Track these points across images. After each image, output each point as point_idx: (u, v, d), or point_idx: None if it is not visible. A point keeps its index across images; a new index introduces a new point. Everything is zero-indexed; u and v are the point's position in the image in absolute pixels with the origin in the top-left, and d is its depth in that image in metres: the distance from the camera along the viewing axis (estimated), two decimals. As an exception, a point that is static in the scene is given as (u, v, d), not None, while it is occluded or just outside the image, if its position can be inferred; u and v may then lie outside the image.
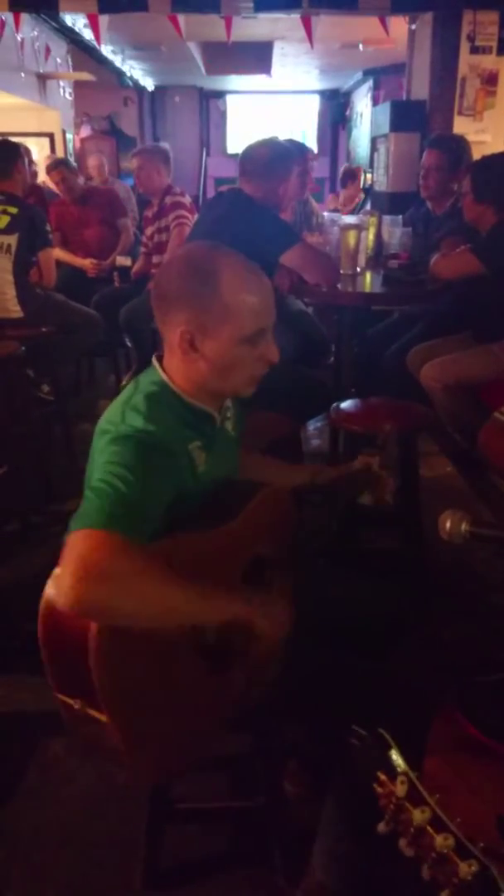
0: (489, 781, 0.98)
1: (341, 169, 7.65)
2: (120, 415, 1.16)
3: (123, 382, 4.48)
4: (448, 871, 0.59)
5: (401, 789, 0.62)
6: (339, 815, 1.31)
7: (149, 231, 4.28)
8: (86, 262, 4.59)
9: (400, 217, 3.92)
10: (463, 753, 1.03)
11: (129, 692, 1.04)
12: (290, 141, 3.31)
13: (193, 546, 1.15)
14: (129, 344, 4.45)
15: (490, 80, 4.73)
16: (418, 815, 0.61)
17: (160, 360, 1.26)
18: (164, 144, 4.54)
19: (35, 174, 5.13)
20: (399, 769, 0.64)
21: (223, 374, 1.21)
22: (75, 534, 1.00)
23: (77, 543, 0.99)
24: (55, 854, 1.56)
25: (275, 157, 2.64)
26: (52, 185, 4.88)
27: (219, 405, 1.30)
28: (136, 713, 1.05)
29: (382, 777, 0.63)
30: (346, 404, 2.47)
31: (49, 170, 4.74)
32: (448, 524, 1.18)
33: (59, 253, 4.27)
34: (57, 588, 0.98)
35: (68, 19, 6.36)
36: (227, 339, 1.18)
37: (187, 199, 4.20)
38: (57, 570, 1.04)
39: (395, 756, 0.65)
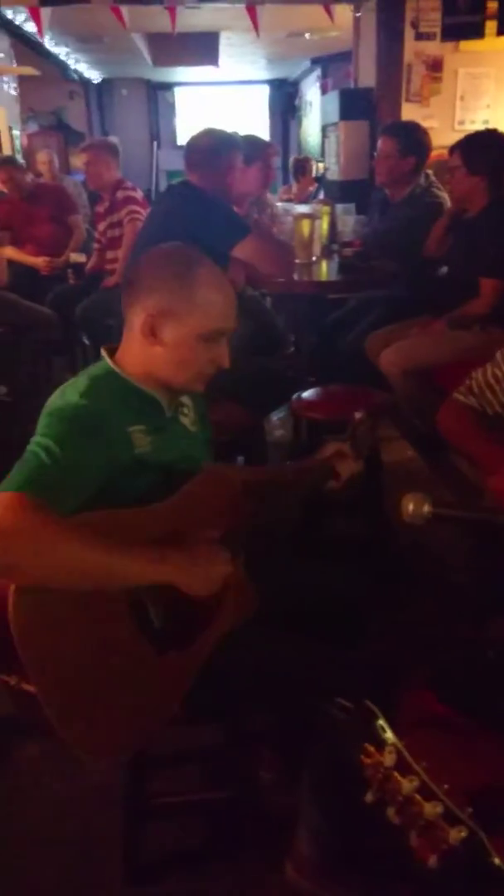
0: (457, 755, 1.00)
1: (291, 160, 7.62)
2: (60, 393, 1.23)
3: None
4: (437, 837, 0.60)
5: (389, 759, 0.63)
6: (318, 790, 1.33)
7: (101, 227, 4.23)
8: (38, 261, 4.52)
9: (353, 205, 3.95)
10: (431, 729, 1.05)
11: (52, 660, 1.05)
12: (252, 136, 3.29)
13: (124, 520, 1.17)
14: (86, 341, 4.40)
15: (435, 66, 4.77)
16: (406, 785, 0.61)
17: (110, 352, 1.32)
18: (113, 138, 4.50)
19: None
20: (388, 741, 0.65)
21: (176, 366, 1.27)
22: None
23: None
24: (33, 857, 1.55)
25: (217, 146, 2.64)
26: (-2, 184, 4.78)
27: (169, 396, 1.33)
28: (64, 686, 1.06)
29: (370, 748, 0.64)
30: (307, 393, 2.48)
31: (-7, 169, 4.64)
32: (410, 506, 1.21)
33: (10, 252, 4.20)
34: None
35: (9, 13, 6.22)
36: (188, 331, 1.24)
37: (139, 194, 4.16)
38: None
39: (383, 727, 0.66)
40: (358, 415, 1.56)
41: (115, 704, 1.14)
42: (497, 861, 0.59)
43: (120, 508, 1.16)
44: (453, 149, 2.94)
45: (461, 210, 3.03)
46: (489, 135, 3.06)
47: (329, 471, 1.51)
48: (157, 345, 1.25)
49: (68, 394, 1.21)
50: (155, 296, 1.24)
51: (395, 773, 0.62)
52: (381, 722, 0.66)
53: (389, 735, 0.65)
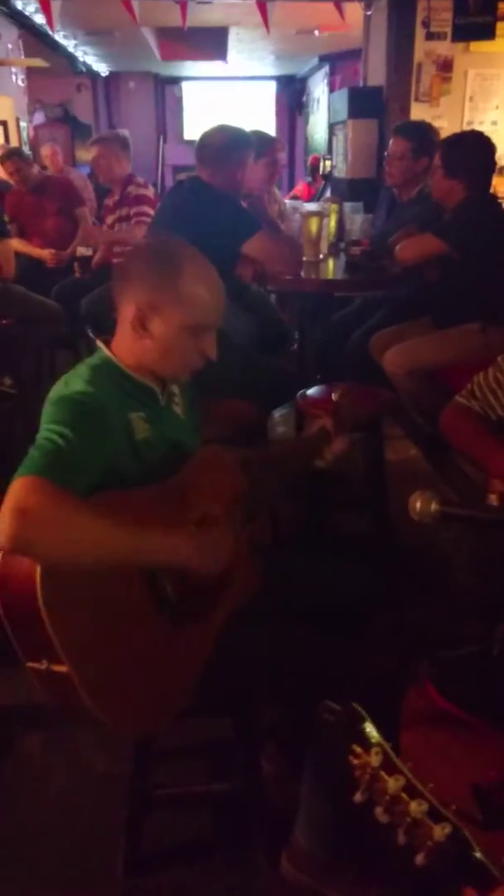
0: (460, 751, 1.02)
1: (310, 158, 7.60)
2: (63, 383, 1.26)
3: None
4: (422, 834, 0.61)
5: (375, 759, 0.64)
6: (316, 786, 1.35)
7: (109, 220, 4.23)
8: (44, 253, 4.52)
9: (361, 204, 3.95)
10: (434, 725, 1.06)
11: (83, 640, 1.08)
12: (258, 132, 3.29)
13: (134, 501, 1.21)
14: (91, 335, 4.40)
15: (445, 66, 4.77)
16: (392, 784, 0.62)
17: (106, 343, 1.36)
18: (123, 131, 4.48)
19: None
20: (373, 740, 0.66)
21: (163, 356, 1.31)
22: (14, 482, 1.06)
23: (14, 488, 1.05)
24: (37, 848, 1.56)
25: (230, 143, 2.64)
26: (4, 176, 4.79)
27: (162, 385, 1.37)
28: (94, 663, 1.09)
29: (357, 749, 0.65)
30: (311, 391, 2.49)
31: (2, 160, 4.64)
32: (418, 504, 1.21)
33: (16, 244, 4.20)
34: None
35: (19, 4, 6.22)
36: (174, 323, 1.28)
37: (151, 191, 4.14)
38: None
39: (369, 728, 0.67)
40: (335, 396, 1.62)
41: (141, 678, 1.18)
42: (479, 855, 0.60)
43: (120, 491, 1.20)
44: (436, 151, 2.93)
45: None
46: (471, 137, 3.00)
47: (316, 448, 1.57)
48: (146, 337, 1.29)
49: (72, 383, 1.24)
50: (142, 289, 1.28)
51: (382, 773, 0.63)
52: (368, 723, 0.67)
53: (375, 735, 0.66)
